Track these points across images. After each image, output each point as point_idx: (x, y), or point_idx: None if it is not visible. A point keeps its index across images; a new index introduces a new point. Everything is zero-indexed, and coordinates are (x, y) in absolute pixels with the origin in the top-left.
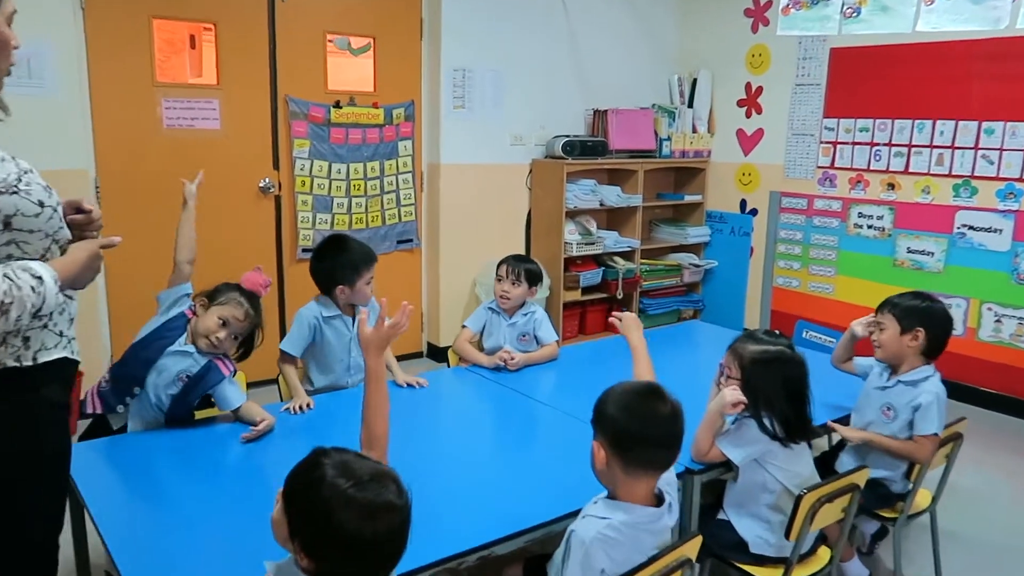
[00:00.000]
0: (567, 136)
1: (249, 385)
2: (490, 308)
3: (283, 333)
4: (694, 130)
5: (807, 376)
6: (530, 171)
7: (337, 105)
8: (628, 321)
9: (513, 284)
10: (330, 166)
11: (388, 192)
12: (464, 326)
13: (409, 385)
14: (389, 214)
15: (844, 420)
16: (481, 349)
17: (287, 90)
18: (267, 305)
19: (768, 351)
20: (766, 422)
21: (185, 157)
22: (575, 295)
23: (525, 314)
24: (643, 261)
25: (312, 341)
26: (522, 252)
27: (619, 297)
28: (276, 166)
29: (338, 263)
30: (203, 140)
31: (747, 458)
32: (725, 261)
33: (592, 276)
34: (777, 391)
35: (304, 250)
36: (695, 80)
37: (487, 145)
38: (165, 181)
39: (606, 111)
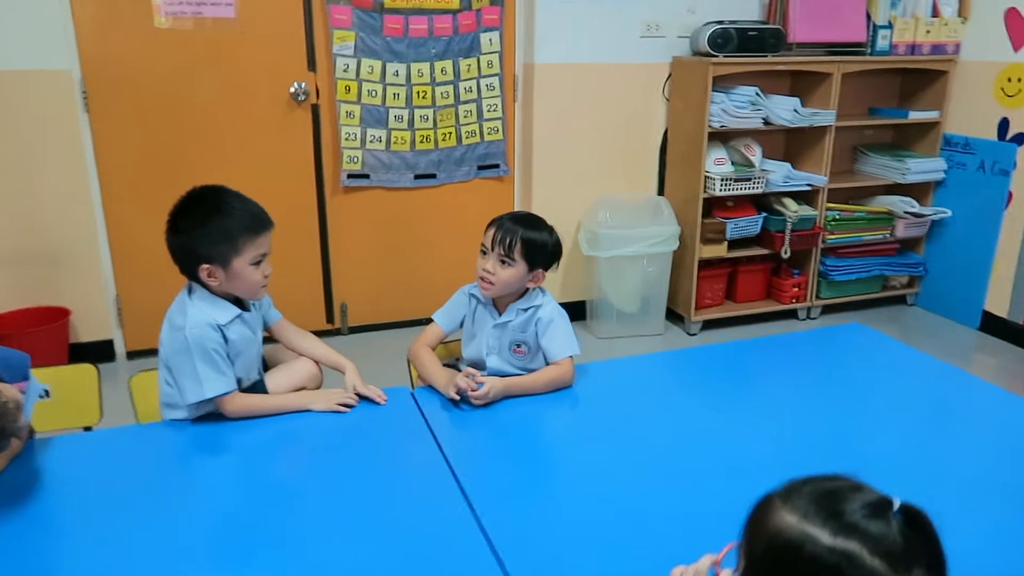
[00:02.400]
0: (721, 24)
1: None
2: (473, 294)
3: (327, 282)
4: (934, 13)
5: None
6: (669, 74)
7: None
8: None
9: (502, 262)
10: (384, 66)
11: (466, 102)
12: (431, 319)
13: (367, 399)
14: (467, 131)
15: None
16: (457, 359)
17: None
18: (306, 248)
19: (810, 540)
20: None
21: (191, 55)
22: (717, 250)
23: (525, 309)
24: (831, 206)
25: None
26: (653, 187)
27: (785, 256)
28: (312, 66)
29: (205, 231)
30: (213, 32)
31: None
32: (965, 210)
33: (746, 225)
34: None
35: (350, 175)
36: None
37: (606, 37)
38: (165, 85)
39: None
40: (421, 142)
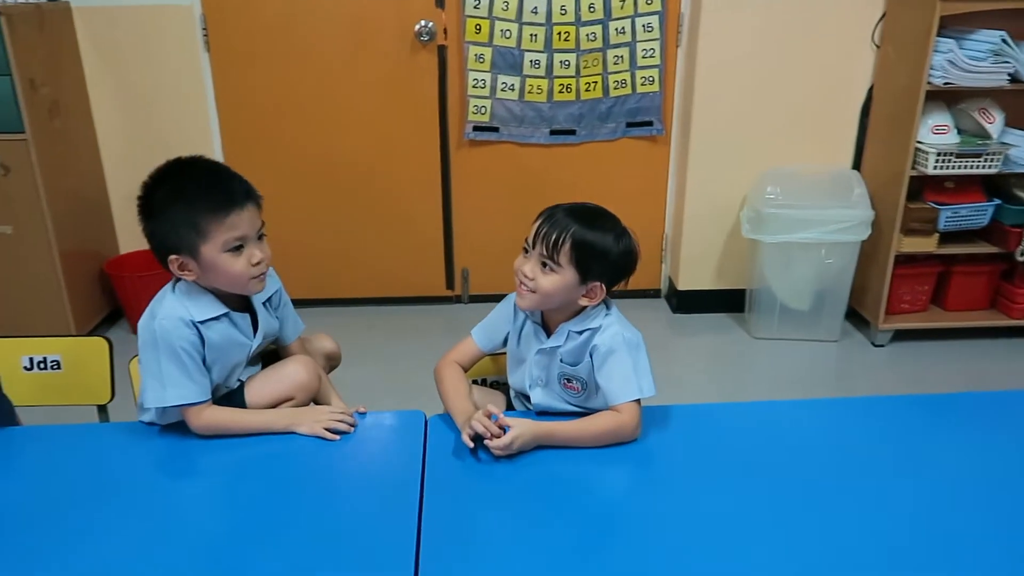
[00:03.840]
0: None
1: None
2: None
3: (447, 245)
4: None
5: None
6: (883, 14)
7: None
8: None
9: (543, 264)
10: (520, 2)
11: (617, 45)
12: (470, 335)
13: (358, 412)
14: (615, 81)
15: None
16: (498, 387)
17: None
18: (426, 206)
19: None
20: None
21: None
22: (924, 243)
23: (580, 332)
24: None
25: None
26: (847, 158)
27: (1021, 259)
28: (440, 2)
29: (166, 215)
30: None
31: None
32: None
33: (969, 214)
34: None
35: (477, 128)
36: None
37: None
38: (285, 21)
39: None
40: (560, 92)
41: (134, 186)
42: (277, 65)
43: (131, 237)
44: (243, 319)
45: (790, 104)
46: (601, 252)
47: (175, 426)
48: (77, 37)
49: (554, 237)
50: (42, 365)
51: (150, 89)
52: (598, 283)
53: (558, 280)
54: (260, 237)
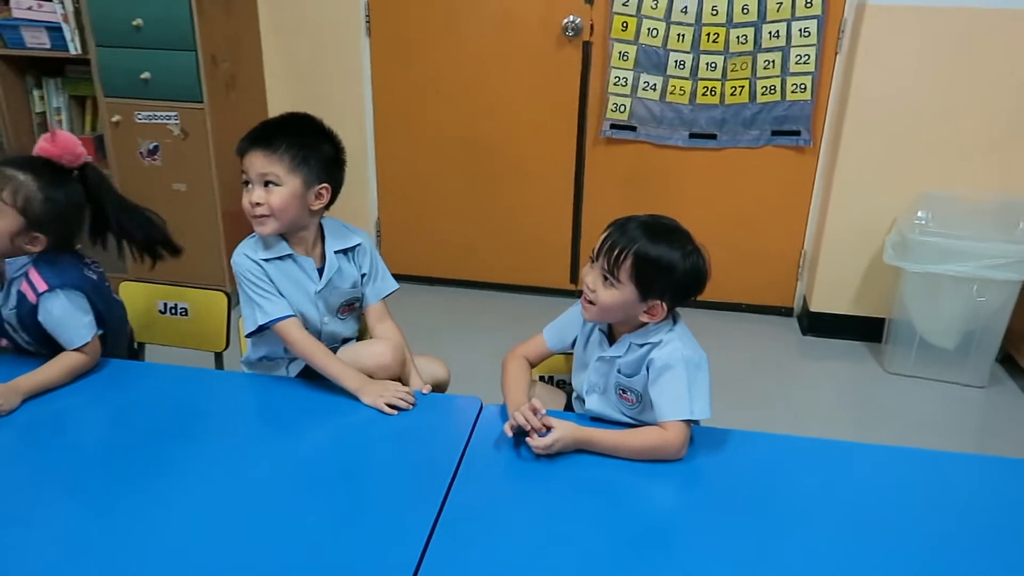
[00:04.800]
0: None
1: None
2: None
3: (575, 240)
4: None
5: None
6: None
7: None
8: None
9: (604, 278)
10: (671, 2)
11: (769, 49)
12: (542, 332)
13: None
14: (764, 86)
15: None
16: (562, 386)
17: None
18: (558, 198)
19: None
20: None
21: None
22: None
23: (641, 345)
24: None
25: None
26: (1002, 187)
27: None
28: None
29: None
30: None
31: None
32: None
33: None
34: None
35: (614, 125)
36: None
37: None
38: (441, 12)
39: None
40: (704, 95)
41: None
42: (428, 52)
43: None
44: (307, 262)
45: (958, 122)
46: (665, 269)
47: (265, 382)
48: (259, 17)
49: (617, 251)
50: (173, 311)
51: (316, 67)
52: (658, 301)
53: (617, 296)
54: (266, 184)
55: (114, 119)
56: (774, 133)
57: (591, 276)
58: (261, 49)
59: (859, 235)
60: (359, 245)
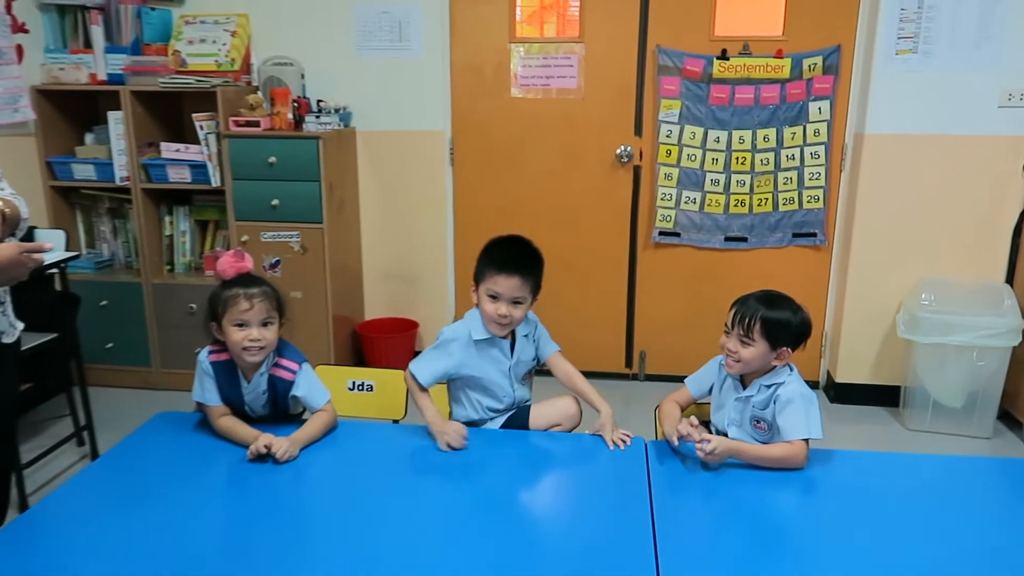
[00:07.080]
0: None
1: None
2: (723, 364)
3: (629, 329)
4: None
5: None
6: None
7: (723, 56)
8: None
9: (742, 342)
10: (706, 133)
11: (787, 169)
12: (684, 383)
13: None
14: (784, 198)
15: None
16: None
17: (659, 39)
18: (614, 295)
19: None
20: None
21: (538, 120)
22: None
23: (769, 386)
24: None
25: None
26: (999, 272)
27: None
28: (638, 131)
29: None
30: (558, 101)
31: None
32: None
33: None
34: None
35: (662, 233)
36: None
37: (954, 106)
38: (514, 144)
39: None
40: (735, 206)
41: (382, 266)
42: (503, 177)
43: (374, 305)
44: (504, 344)
45: (944, 225)
46: (783, 325)
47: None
48: (357, 151)
49: (747, 320)
50: (360, 387)
51: (404, 192)
52: (785, 348)
53: (754, 351)
54: (514, 302)
55: (243, 239)
56: (795, 235)
57: (731, 342)
58: (358, 176)
59: (872, 316)
60: (535, 326)
